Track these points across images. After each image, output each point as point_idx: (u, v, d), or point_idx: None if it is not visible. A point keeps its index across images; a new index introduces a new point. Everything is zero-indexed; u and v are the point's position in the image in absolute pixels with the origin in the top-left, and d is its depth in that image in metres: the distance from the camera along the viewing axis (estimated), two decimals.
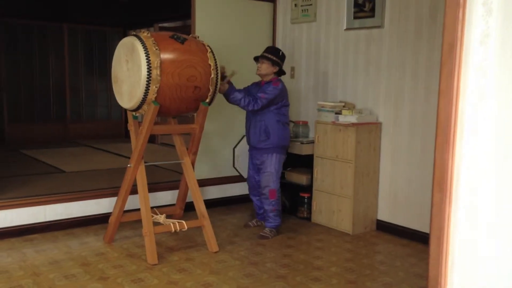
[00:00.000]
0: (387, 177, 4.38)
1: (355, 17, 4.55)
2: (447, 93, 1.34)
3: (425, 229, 4.08)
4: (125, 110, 3.89)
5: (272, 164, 4.17)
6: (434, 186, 1.38)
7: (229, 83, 4.03)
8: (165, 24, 8.02)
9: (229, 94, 4.00)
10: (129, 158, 3.90)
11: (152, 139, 6.35)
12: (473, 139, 1.37)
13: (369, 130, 4.33)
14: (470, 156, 1.38)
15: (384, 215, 4.43)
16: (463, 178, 1.37)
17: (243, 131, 4.68)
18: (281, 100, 4.14)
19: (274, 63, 4.14)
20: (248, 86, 4.32)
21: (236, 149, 5.22)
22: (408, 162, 4.21)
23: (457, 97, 1.35)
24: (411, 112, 4.16)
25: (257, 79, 4.32)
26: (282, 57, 4.22)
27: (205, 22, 4.83)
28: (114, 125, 9.11)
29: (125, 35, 8.91)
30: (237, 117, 4.82)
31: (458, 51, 1.31)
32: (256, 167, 4.32)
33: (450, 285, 1.36)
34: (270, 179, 4.16)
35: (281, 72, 4.24)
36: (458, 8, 1.28)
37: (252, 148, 4.31)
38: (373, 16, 4.38)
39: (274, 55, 4.16)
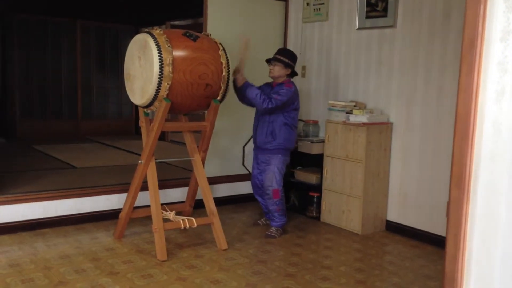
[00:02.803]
0: (398, 178, 4.36)
1: (367, 17, 4.54)
2: (467, 89, 1.33)
3: (435, 231, 4.06)
4: (136, 107, 3.92)
5: (275, 164, 4.16)
6: (452, 183, 1.37)
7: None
8: (176, 22, 8.05)
9: (245, 87, 3.99)
10: (139, 155, 3.92)
11: (161, 136, 6.38)
12: (493, 135, 1.36)
13: (379, 130, 4.31)
14: (489, 153, 1.36)
15: (393, 215, 4.41)
16: (482, 174, 1.36)
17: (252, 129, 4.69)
18: (292, 103, 4.13)
19: (286, 65, 4.13)
20: (260, 86, 4.31)
21: (245, 148, 5.22)
22: (419, 162, 4.18)
23: (476, 93, 1.34)
24: (423, 113, 4.14)
25: (269, 78, 4.31)
26: (295, 59, 4.21)
27: (217, 20, 4.85)
28: (124, 122, 9.17)
29: (137, 32, 8.91)
30: (247, 115, 4.81)
31: (479, 47, 1.30)
32: (260, 167, 4.32)
33: (466, 282, 1.35)
34: (273, 179, 4.15)
35: (293, 73, 4.23)
36: (479, 4, 1.27)
37: (258, 148, 4.31)
38: (385, 15, 4.36)
39: (287, 57, 4.15)
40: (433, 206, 4.08)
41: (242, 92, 4.05)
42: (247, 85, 3.99)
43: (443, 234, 3.96)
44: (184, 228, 3.75)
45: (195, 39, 3.67)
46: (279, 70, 4.14)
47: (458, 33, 3.85)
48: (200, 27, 4.95)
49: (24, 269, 3.28)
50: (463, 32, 1.37)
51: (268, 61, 4.21)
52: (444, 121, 3.98)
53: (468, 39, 1.32)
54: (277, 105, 4.00)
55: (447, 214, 1.38)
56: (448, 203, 1.39)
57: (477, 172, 1.39)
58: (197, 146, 4.01)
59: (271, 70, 4.17)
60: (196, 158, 3.95)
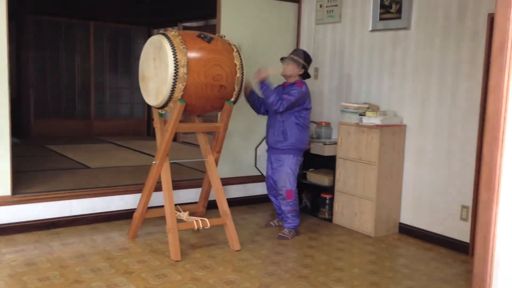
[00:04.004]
0: (411, 180, 4.35)
1: (380, 19, 4.53)
2: (497, 90, 1.33)
3: (449, 234, 4.05)
4: (148, 108, 3.95)
5: (288, 165, 4.17)
6: (482, 184, 1.37)
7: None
8: (188, 24, 8.09)
9: (265, 84, 4.00)
10: (152, 155, 3.95)
11: (173, 137, 6.41)
12: None
13: (393, 132, 4.30)
14: None
15: (407, 218, 4.40)
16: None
17: (265, 131, 4.70)
18: (303, 103, 4.14)
19: (300, 65, 4.15)
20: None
21: (258, 149, 5.24)
22: (432, 165, 4.17)
23: (507, 95, 1.33)
24: (437, 115, 4.12)
25: (281, 80, 4.33)
26: (309, 60, 4.24)
27: (230, 22, 4.87)
28: (137, 123, 9.21)
29: (149, 33, 9.01)
30: (260, 117, 4.82)
31: (509, 49, 1.30)
32: (273, 167, 4.33)
33: (495, 283, 1.35)
34: (286, 179, 4.16)
35: (306, 75, 4.24)
36: (509, 7, 1.27)
37: (270, 148, 4.33)
38: (399, 17, 4.35)
39: (301, 57, 4.17)
40: (446, 209, 4.06)
41: (259, 87, 4.06)
42: (266, 83, 4.01)
43: (457, 237, 3.97)
44: (197, 228, 3.77)
45: (209, 40, 3.69)
46: (292, 69, 4.16)
47: (473, 35, 3.83)
48: (212, 28, 4.98)
49: (40, 268, 3.32)
50: (493, 36, 1.38)
51: (283, 60, 4.24)
52: (458, 123, 3.97)
53: (498, 42, 1.32)
54: (288, 106, 4.02)
55: (476, 216, 1.38)
56: (477, 205, 1.38)
57: (507, 173, 1.38)
58: (210, 147, 4.03)
59: (284, 69, 4.19)
60: (210, 159, 3.97)
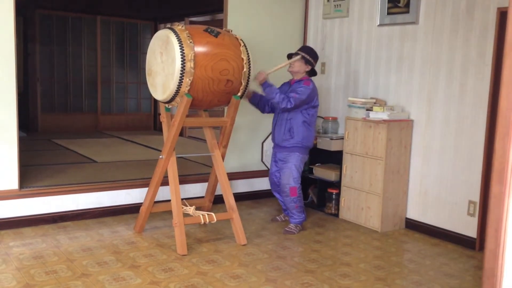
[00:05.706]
0: (418, 175, 4.33)
1: (388, 13, 4.50)
2: (510, 83, 1.31)
3: (456, 229, 4.03)
4: (155, 102, 3.95)
5: (293, 162, 4.16)
6: (493, 178, 1.36)
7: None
8: (195, 19, 8.08)
9: (265, 86, 3.98)
10: (158, 150, 3.96)
11: (180, 132, 6.42)
12: None
13: (400, 127, 4.28)
14: None
15: (413, 213, 4.38)
16: None
17: (271, 126, 4.69)
18: (311, 100, 4.12)
19: (307, 62, 4.13)
20: (278, 87, 4.33)
21: (264, 144, 5.23)
22: (439, 160, 4.15)
23: None
24: (445, 110, 4.10)
25: (287, 76, 4.31)
26: (316, 58, 4.21)
27: (237, 16, 4.86)
28: (143, 118, 9.24)
29: (156, 28, 9.01)
30: None
31: None
32: (277, 165, 4.32)
33: (506, 278, 1.34)
34: (290, 177, 4.15)
35: (312, 73, 4.22)
36: None
37: (276, 146, 4.32)
38: (407, 12, 4.32)
39: (308, 54, 4.15)
40: (453, 204, 4.04)
41: (262, 89, 4.05)
42: (267, 84, 3.99)
43: (464, 232, 3.95)
44: (204, 223, 3.77)
45: (216, 35, 3.68)
46: (299, 66, 4.14)
47: (482, 30, 3.80)
48: (218, 23, 4.98)
49: (48, 261, 3.34)
50: (506, 29, 1.36)
51: (290, 56, 4.22)
52: (466, 118, 3.94)
53: (511, 35, 1.30)
54: (296, 103, 4.00)
55: (486, 210, 1.37)
56: (485, 200, 1.38)
57: None
58: (217, 142, 4.03)
59: (291, 65, 4.17)
60: (216, 154, 3.97)
